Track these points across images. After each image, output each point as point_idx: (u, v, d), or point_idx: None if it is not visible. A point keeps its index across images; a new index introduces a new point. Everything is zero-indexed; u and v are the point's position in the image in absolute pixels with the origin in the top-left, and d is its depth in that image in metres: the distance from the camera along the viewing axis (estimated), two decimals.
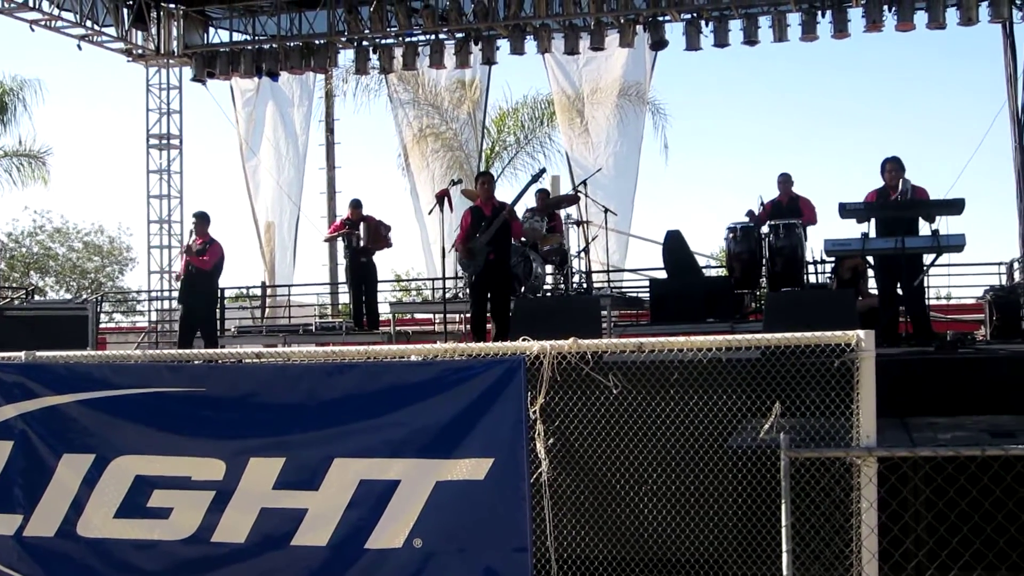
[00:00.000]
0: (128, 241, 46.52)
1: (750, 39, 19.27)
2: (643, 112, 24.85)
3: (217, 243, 16.94)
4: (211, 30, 23.25)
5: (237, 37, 22.95)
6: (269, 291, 25.91)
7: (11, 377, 7.09)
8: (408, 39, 21.26)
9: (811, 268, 16.50)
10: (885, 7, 18.29)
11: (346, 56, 23.02)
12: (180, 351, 7.49)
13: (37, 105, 34.59)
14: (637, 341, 6.34)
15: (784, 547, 5.91)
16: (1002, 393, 8.86)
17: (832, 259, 15.30)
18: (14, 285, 34.87)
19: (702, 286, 16.81)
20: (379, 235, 18.34)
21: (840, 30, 18.66)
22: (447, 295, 18.36)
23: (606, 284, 20.76)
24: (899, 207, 12.40)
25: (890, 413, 7.15)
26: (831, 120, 77.62)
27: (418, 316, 23.98)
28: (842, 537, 6.21)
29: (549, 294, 16.89)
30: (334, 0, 21.22)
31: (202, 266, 16.72)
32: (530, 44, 20.44)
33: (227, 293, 22.93)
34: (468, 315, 16.06)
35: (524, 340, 6.46)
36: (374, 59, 21.72)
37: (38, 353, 7.25)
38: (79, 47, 21.77)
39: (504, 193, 29.75)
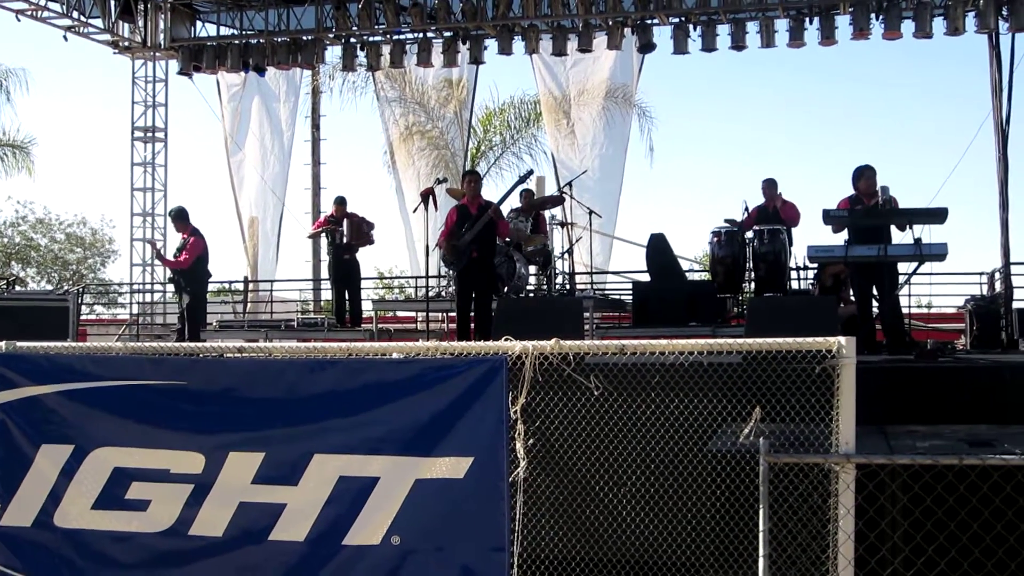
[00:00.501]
0: (111, 233, 46.43)
1: (737, 44, 19.29)
2: (629, 115, 24.90)
3: (197, 237, 16.98)
4: (198, 24, 23.16)
5: (224, 31, 22.86)
6: (251, 286, 25.87)
7: None
8: (396, 37, 21.24)
9: (793, 274, 16.54)
10: (872, 15, 18.34)
11: (333, 52, 23.02)
12: (161, 344, 7.44)
13: (21, 96, 34.52)
14: (619, 343, 6.35)
15: (761, 551, 5.92)
16: (981, 403, 8.90)
17: (815, 265, 15.35)
18: None
19: (685, 290, 16.80)
20: (362, 232, 18.33)
21: (827, 37, 18.69)
22: (430, 294, 18.34)
23: (589, 286, 20.78)
24: (883, 215, 12.43)
25: (869, 420, 7.17)
26: (816, 126, 78.08)
27: (400, 314, 24.00)
28: (819, 543, 6.23)
29: (532, 295, 16.90)
30: None
31: (179, 266, 16.80)
32: (518, 44, 20.43)
33: (210, 287, 22.90)
34: (451, 314, 16.06)
35: (506, 340, 6.47)
36: (361, 56, 21.69)
37: (19, 343, 7.23)
38: (65, 38, 21.73)
39: (489, 194, 29.76)
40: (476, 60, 21.14)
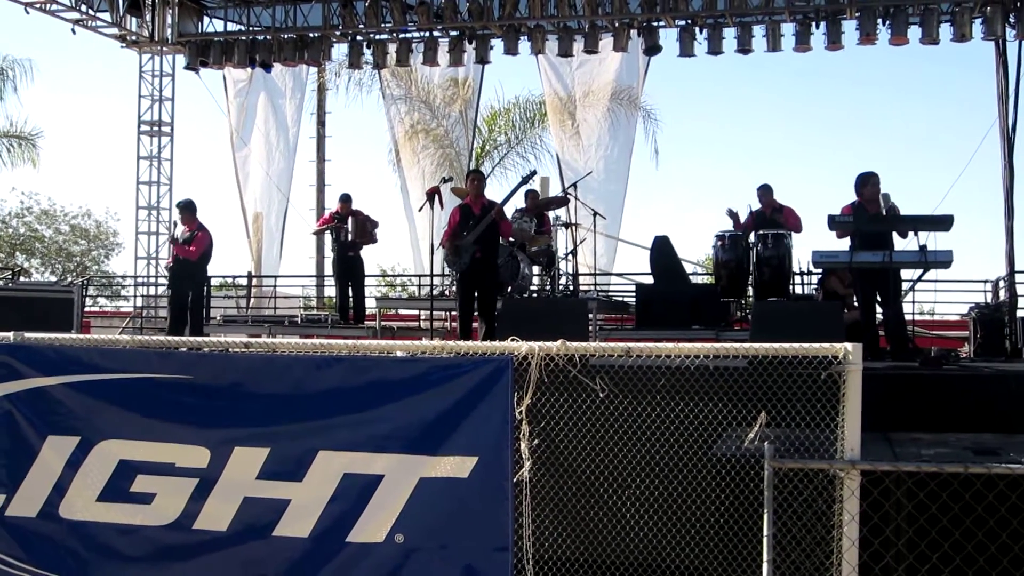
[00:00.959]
0: (115, 226, 46.52)
1: (744, 47, 19.26)
2: (634, 116, 24.88)
3: (204, 232, 17.02)
4: (206, 19, 23.16)
5: (231, 27, 22.84)
6: (255, 281, 25.89)
7: None
8: (402, 35, 21.23)
9: (796, 279, 16.57)
10: (879, 20, 18.33)
11: (340, 50, 22.91)
12: (169, 338, 7.48)
13: (27, 86, 34.51)
14: (626, 345, 6.36)
15: (765, 557, 5.93)
16: (986, 411, 8.90)
17: (817, 270, 15.35)
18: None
19: (688, 293, 16.82)
20: (366, 231, 18.38)
21: (833, 41, 18.66)
22: (434, 292, 18.35)
23: (592, 287, 20.79)
24: (889, 221, 12.43)
25: (873, 427, 7.17)
26: (821, 130, 77.88)
27: (403, 312, 24.00)
28: (823, 549, 6.24)
29: (535, 295, 16.90)
30: None
31: (188, 256, 16.80)
32: (524, 45, 20.37)
33: (213, 282, 22.94)
34: (454, 312, 16.07)
35: (513, 340, 6.47)
36: (368, 54, 21.64)
37: (26, 334, 7.24)
38: (73, 31, 21.71)
39: (493, 193, 29.75)
40: (482, 60, 21.11)
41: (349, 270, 18.60)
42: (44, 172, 74.37)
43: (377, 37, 21.43)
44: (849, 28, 18.62)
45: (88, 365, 6.94)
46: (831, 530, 6.05)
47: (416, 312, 21.60)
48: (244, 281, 25.99)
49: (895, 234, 12.46)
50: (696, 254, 41.40)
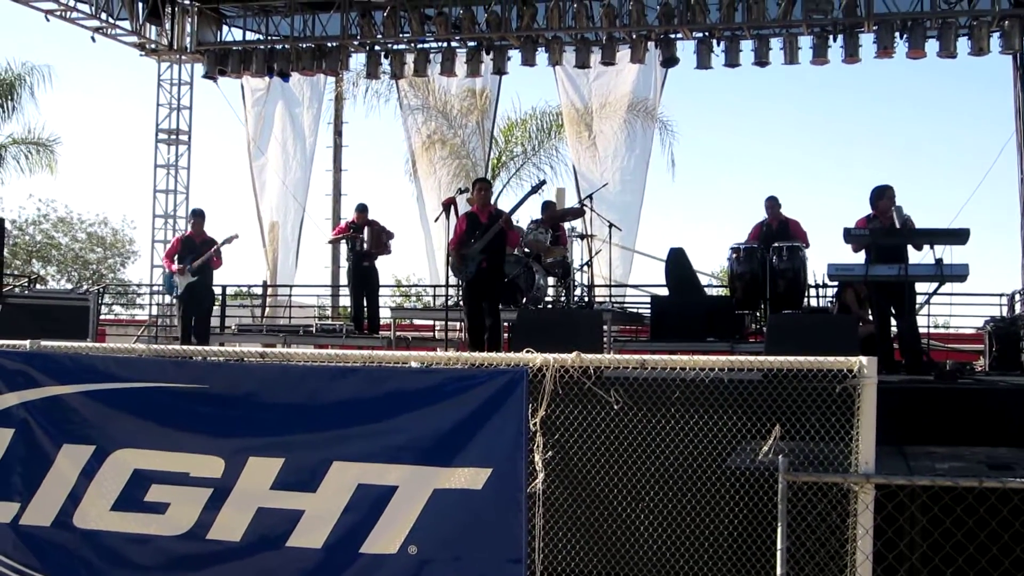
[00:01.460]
0: (131, 234, 46.64)
1: (761, 60, 19.27)
2: (651, 128, 24.82)
3: (217, 244, 17.14)
4: (224, 28, 23.26)
5: (250, 36, 22.95)
6: (270, 291, 25.93)
7: (15, 365, 7.12)
8: (420, 46, 21.30)
9: (810, 292, 16.56)
10: (896, 34, 18.32)
11: (357, 60, 23.04)
12: (184, 347, 7.50)
13: (44, 92, 34.60)
14: (640, 358, 6.36)
15: (779, 571, 5.92)
16: (1001, 425, 8.86)
17: (833, 283, 15.33)
18: (16, 273, 34.86)
19: (703, 305, 16.82)
20: (380, 241, 18.41)
21: (851, 55, 18.66)
22: (449, 302, 18.36)
23: (608, 299, 20.77)
24: (905, 234, 12.41)
25: (887, 440, 7.15)
26: (838, 143, 77.80)
27: (418, 322, 24.01)
28: (837, 563, 6.23)
29: (551, 306, 16.90)
30: (348, 3, 21.22)
31: (217, 266, 17.02)
32: (541, 56, 20.43)
33: (228, 291, 22.99)
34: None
35: (528, 352, 6.48)
36: (385, 64, 21.70)
37: (43, 343, 7.27)
38: (93, 39, 21.82)
39: (507, 205, 29.81)
40: (499, 70, 21.14)
41: (364, 280, 18.64)
42: (61, 179, 74.88)
43: (395, 47, 21.49)
44: (867, 41, 18.63)
45: (104, 374, 6.97)
46: (845, 544, 6.04)
47: (431, 322, 21.61)
48: (259, 290, 26.02)
49: (910, 247, 12.44)
50: (711, 266, 41.42)
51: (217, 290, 19.00)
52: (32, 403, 7.02)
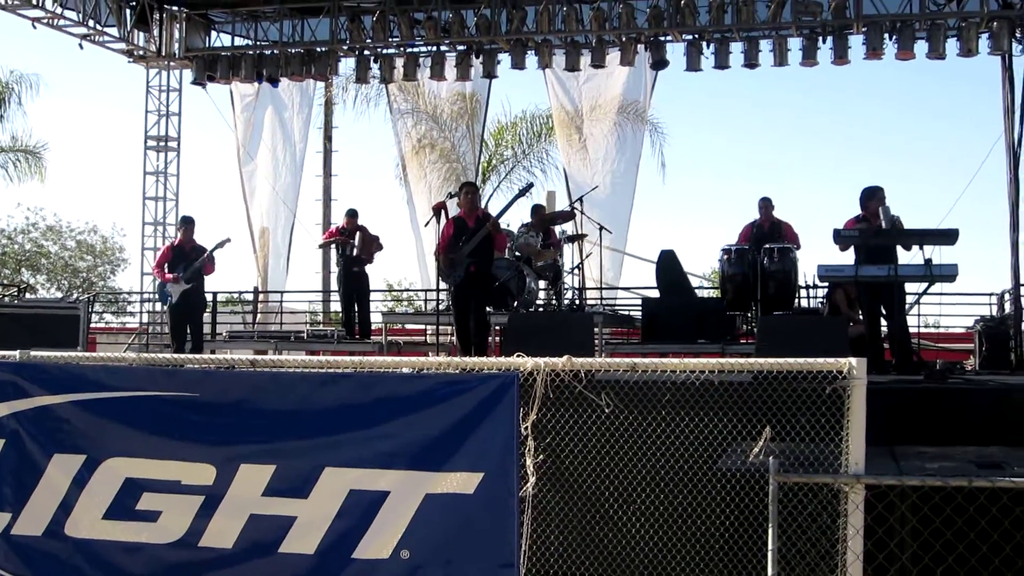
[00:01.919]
0: (121, 241, 46.60)
1: (750, 62, 19.25)
2: (641, 131, 24.83)
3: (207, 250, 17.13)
4: (213, 34, 23.19)
5: (239, 42, 22.86)
6: (261, 296, 25.90)
7: (4, 376, 7.10)
8: (410, 50, 21.23)
9: (801, 292, 16.57)
10: (886, 35, 18.33)
11: (347, 64, 23.00)
12: (175, 356, 7.49)
13: (32, 100, 34.57)
14: (631, 361, 6.38)
15: (770, 571, 5.93)
16: (991, 424, 8.89)
17: (823, 284, 15.36)
18: (4, 282, 34.81)
19: (694, 307, 16.84)
20: (369, 248, 18.41)
21: (840, 56, 18.66)
22: (440, 307, 18.36)
23: (598, 301, 20.77)
24: (894, 235, 12.43)
25: (877, 441, 7.17)
26: (828, 144, 77.91)
27: (409, 326, 24.00)
28: (827, 563, 6.24)
29: (541, 309, 16.90)
30: (337, 8, 21.20)
31: (209, 272, 17.01)
32: (531, 59, 20.38)
33: (219, 297, 22.96)
34: None
35: (518, 356, 6.48)
36: (375, 68, 21.66)
37: (32, 352, 7.26)
38: (80, 46, 21.73)
39: (497, 208, 29.79)
40: (489, 74, 21.10)
41: (354, 285, 18.62)
42: (50, 187, 74.59)
43: (384, 52, 21.43)
44: (856, 43, 18.61)
45: (94, 383, 6.96)
46: (836, 544, 6.05)
47: (422, 327, 21.61)
48: (250, 296, 25.99)
49: (899, 247, 12.46)
50: (702, 268, 41.43)
51: (208, 297, 18.91)
52: (22, 413, 7.01)
